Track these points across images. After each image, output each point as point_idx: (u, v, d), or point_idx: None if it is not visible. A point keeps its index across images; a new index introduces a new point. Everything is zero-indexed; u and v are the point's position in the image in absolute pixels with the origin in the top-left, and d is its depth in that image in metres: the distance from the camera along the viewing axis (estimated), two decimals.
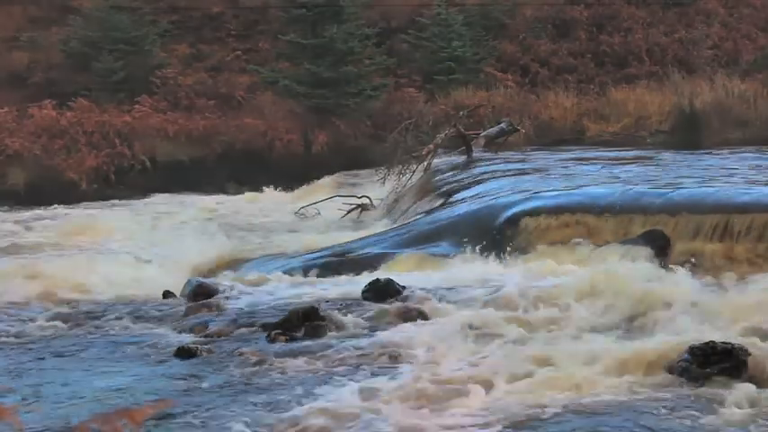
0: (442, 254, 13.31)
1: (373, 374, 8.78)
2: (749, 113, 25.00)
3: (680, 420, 7.58)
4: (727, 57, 30.55)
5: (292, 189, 24.02)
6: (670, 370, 8.49)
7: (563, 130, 26.55)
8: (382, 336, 9.89)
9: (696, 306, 10.15)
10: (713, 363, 8.36)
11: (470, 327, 9.94)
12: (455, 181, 18.14)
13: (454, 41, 29.35)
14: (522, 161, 19.89)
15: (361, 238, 14.93)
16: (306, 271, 13.16)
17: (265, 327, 10.31)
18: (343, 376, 8.77)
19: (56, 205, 22.62)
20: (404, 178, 19.64)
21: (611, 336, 9.63)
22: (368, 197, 19.92)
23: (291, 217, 19.89)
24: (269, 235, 17.41)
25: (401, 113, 24.39)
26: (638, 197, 13.57)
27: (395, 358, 9.18)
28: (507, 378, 8.49)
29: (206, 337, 10.35)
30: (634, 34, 31.19)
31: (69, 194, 23.73)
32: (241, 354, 9.56)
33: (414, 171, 19.77)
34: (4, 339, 10.50)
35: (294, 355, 9.42)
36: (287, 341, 9.86)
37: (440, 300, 10.99)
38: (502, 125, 24.28)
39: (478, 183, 17.11)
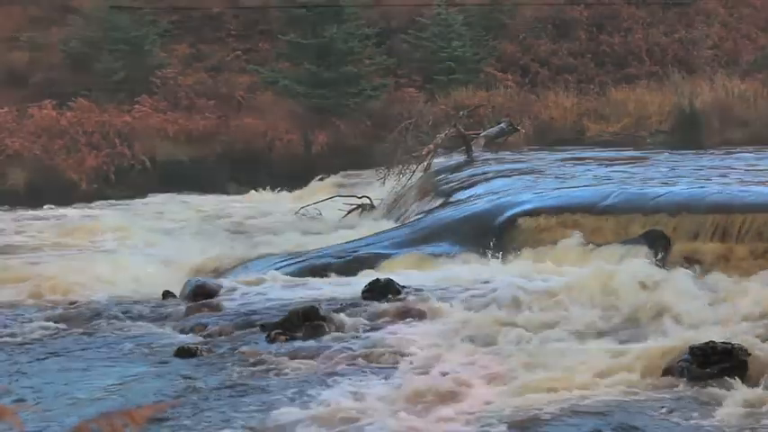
0: (442, 254, 13.31)
1: (373, 374, 8.78)
2: (749, 113, 25.02)
3: (680, 420, 7.58)
4: (727, 57, 30.56)
5: (292, 189, 24.02)
6: (670, 370, 8.49)
7: (563, 130, 26.55)
8: (382, 336, 9.89)
9: (696, 306, 10.15)
10: (713, 363, 8.36)
11: (470, 327, 9.94)
12: (455, 181, 18.14)
13: (454, 41, 29.35)
14: (522, 161, 19.89)
15: (361, 238, 14.92)
16: (306, 271, 13.15)
17: (265, 327, 10.31)
18: (343, 376, 8.77)
19: (56, 205, 22.62)
20: (404, 178, 19.63)
21: (610, 336, 9.64)
22: (368, 197, 19.92)
23: (292, 217, 19.89)
24: (269, 235, 17.41)
25: (401, 113, 24.38)
26: (636, 197, 13.57)
27: (395, 358, 9.18)
28: (507, 378, 8.49)
29: (206, 337, 10.35)
30: (634, 34, 31.19)
31: (69, 194, 23.73)
32: (241, 354, 9.56)
33: (414, 171, 19.77)
34: (4, 339, 10.50)
35: (294, 355, 9.42)
36: (287, 341, 9.86)
37: (439, 300, 10.99)
38: (502, 125, 24.28)
39: (478, 183, 17.10)
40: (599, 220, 13.12)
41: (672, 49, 30.73)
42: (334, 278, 12.75)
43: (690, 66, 29.59)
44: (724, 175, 15.78)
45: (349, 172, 24.44)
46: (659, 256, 12.12)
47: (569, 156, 20.76)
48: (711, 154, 20.17)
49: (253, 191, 24.49)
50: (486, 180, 17.18)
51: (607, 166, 18.42)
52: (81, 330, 10.80)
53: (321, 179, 24.15)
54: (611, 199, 13.57)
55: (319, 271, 13.09)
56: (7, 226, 19.84)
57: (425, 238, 13.95)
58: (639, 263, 11.73)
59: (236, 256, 14.75)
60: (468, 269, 12.55)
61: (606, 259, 12.11)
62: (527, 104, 27.54)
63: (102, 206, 22.88)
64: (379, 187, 20.23)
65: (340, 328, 10.23)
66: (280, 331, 10.03)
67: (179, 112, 27.24)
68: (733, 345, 8.49)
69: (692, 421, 7.56)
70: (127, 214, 21.16)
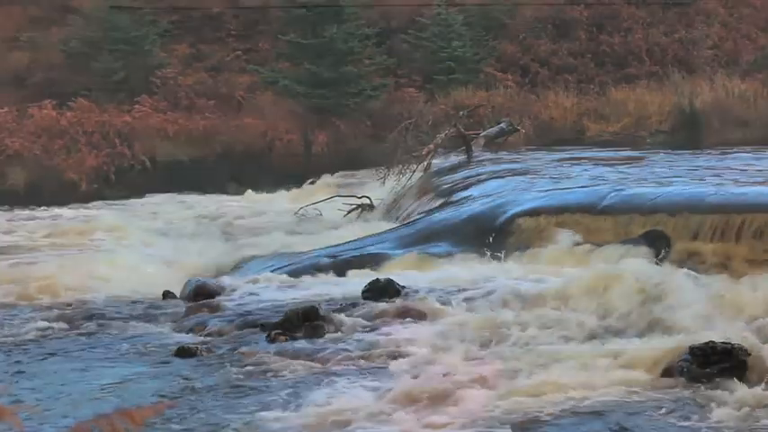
0: (442, 254, 13.31)
1: (372, 375, 8.78)
2: (749, 113, 25.01)
3: (680, 420, 7.58)
4: (727, 57, 30.55)
5: (292, 189, 24.01)
6: (670, 370, 8.50)
7: (563, 130, 26.55)
8: (382, 336, 9.90)
9: (696, 306, 10.15)
10: (713, 363, 8.36)
11: (469, 327, 9.94)
12: (455, 181, 18.14)
13: (454, 41, 29.34)
14: (521, 161, 19.89)
15: (360, 239, 14.92)
16: (306, 271, 13.15)
17: (265, 327, 10.32)
18: (343, 376, 8.77)
19: (56, 205, 22.61)
20: (404, 178, 19.63)
21: (610, 336, 9.64)
22: (368, 197, 19.91)
23: (291, 217, 19.88)
24: (269, 235, 17.39)
25: (401, 113, 24.37)
26: (636, 197, 13.57)
27: (394, 359, 9.19)
28: (506, 378, 8.49)
29: (206, 337, 10.35)
30: (634, 34, 31.18)
31: (69, 194, 23.73)
32: (241, 354, 9.56)
33: (413, 171, 19.76)
34: (4, 339, 10.50)
35: (294, 355, 9.42)
36: (286, 341, 9.87)
37: (439, 300, 10.99)
38: (502, 125, 24.28)
39: (478, 183, 17.10)
40: (599, 220, 13.12)
41: (672, 49, 30.72)
42: (333, 278, 12.76)
43: (690, 66, 29.58)
44: (718, 176, 15.80)
45: (349, 172, 24.43)
46: (659, 256, 12.11)
47: (567, 156, 20.75)
48: (708, 154, 20.17)
49: (252, 191, 24.49)
50: (486, 180, 17.17)
51: (604, 165, 18.41)
52: (80, 330, 10.80)
53: (312, 182, 24.08)
54: (611, 199, 13.57)
55: (319, 271, 13.10)
56: (7, 226, 19.84)
57: (425, 238, 13.95)
58: (639, 263, 11.73)
59: (235, 256, 14.75)
60: (467, 269, 12.55)
61: (606, 259, 12.11)
62: (527, 104, 27.53)
63: (102, 206, 22.88)
64: (379, 187, 20.22)
65: (339, 328, 10.23)
66: (279, 331, 10.04)
67: (179, 112, 27.23)
68: (733, 345, 8.50)
69: (691, 421, 7.56)
70: (127, 214, 21.16)
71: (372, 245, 14.12)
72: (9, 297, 12.43)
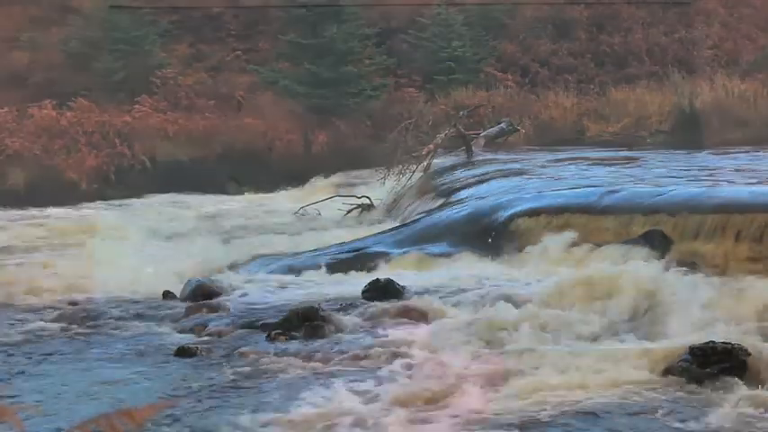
0: (442, 254, 13.31)
1: (373, 375, 8.77)
2: (749, 113, 25.01)
3: (680, 420, 7.58)
4: (727, 57, 30.55)
5: (292, 189, 24.01)
6: (670, 370, 8.49)
7: (563, 130, 26.56)
8: (382, 336, 9.89)
9: (696, 306, 10.14)
10: (713, 363, 8.36)
11: (470, 326, 9.94)
12: (454, 181, 18.15)
13: (454, 41, 29.35)
14: (521, 161, 19.89)
15: (360, 238, 14.93)
16: (306, 271, 13.16)
17: (265, 327, 10.32)
18: (343, 377, 8.77)
19: (56, 205, 22.61)
20: (404, 178, 19.64)
21: (610, 336, 9.64)
22: (368, 197, 19.92)
23: (291, 217, 19.89)
24: (269, 235, 17.40)
25: (401, 113, 24.38)
26: (636, 197, 13.56)
27: (394, 359, 9.18)
28: (506, 378, 8.49)
29: (206, 336, 10.35)
30: (634, 34, 31.19)
31: (69, 194, 23.73)
32: (241, 354, 9.56)
33: (413, 171, 19.77)
34: (4, 339, 10.50)
35: (294, 355, 9.42)
36: (286, 341, 9.87)
37: (439, 300, 10.99)
38: (502, 125, 24.31)
39: (478, 183, 17.11)
40: (599, 220, 13.11)
41: (672, 49, 30.73)
42: (333, 278, 12.76)
43: (690, 66, 29.58)
44: (711, 176, 15.83)
45: (349, 172, 24.43)
46: (659, 256, 12.11)
47: (567, 156, 20.75)
48: (706, 154, 20.17)
49: (252, 191, 24.49)
50: (486, 180, 17.19)
51: (604, 166, 18.42)
52: (81, 330, 10.80)
53: (312, 182, 24.04)
54: (611, 199, 13.56)
55: (319, 271, 13.10)
56: (6, 226, 19.83)
57: (425, 238, 13.95)
58: (639, 263, 11.72)
59: (235, 256, 14.73)
60: (467, 269, 12.55)
61: (606, 260, 12.10)
62: (527, 104, 27.54)
63: (102, 206, 22.87)
64: (379, 187, 20.23)
65: (340, 328, 10.23)
66: (279, 331, 10.04)
67: (179, 112, 27.24)
68: (733, 345, 8.49)
69: (691, 421, 7.56)
70: (127, 214, 21.15)
71: (372, 245, 14.12)
72: (9, 297, 12.42)
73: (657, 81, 28.39)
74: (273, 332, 10.04)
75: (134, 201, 23.53)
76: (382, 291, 11.34)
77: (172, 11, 31.11)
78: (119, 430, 3.36)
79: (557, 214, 13.45)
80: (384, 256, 13.38)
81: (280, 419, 7.74)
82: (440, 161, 20.73)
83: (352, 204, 19.75)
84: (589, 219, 13.19)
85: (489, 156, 21.15)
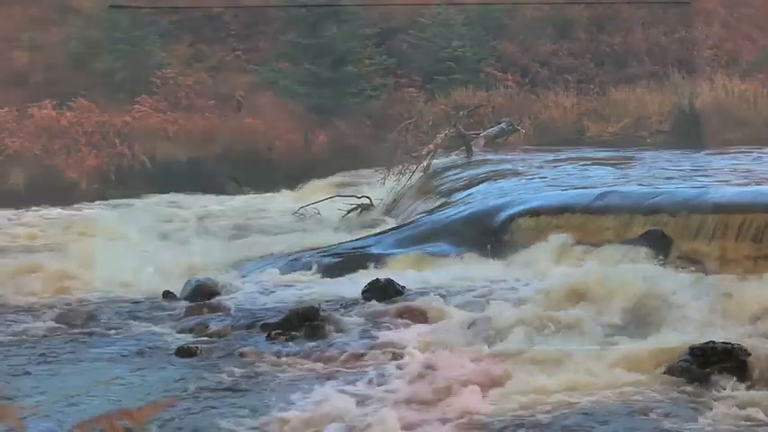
0: (442, 254, 13.31)
1: (373, 375, 8.77)
2: (749, 113, 25.00)
3: (679, 420, 7.58)
4: (727, 57, 30.52)
5: (292, 189, 24.00)
6: (670, 370, 8.49)
7: (563, 130, 26.54)
8: (382, 336, 9.89)
9: (696, 306, 10.15)
10: (713, 363, 8.36)
11: (470, 326, 9.94)
12: (454, 181, 18.15)
13: (454, 41, 29.33)
14: (521, 161, 19.88)
15: (360, 238, 14.93)
16: (306, 271, 13.16)
17: (265, 327, 10.32)
18: (343, 377, 8.77)
19: (56, 205, 22.60)
20: (404, 178, 19.63)
21: (610, 336, 9.63)
22: (368, 197, 19.91)
23: (291, 217, 19.88)
24: (269, 235, 17.39)
25: (401, 113, 24.37)
26: (636, 197, 13.57)
27: (394, 359, 9.18)
28: (506, 378, 8.49)
29: (206, 337, 10.35)
30: (634, 34, 31.18)
31: (69, 194, 23.72)
32: (241, 354, 9.56)
33: (413, 171, 19.77)
34: (4, 339, 10.50)
35: (294, 355, 9.42)
36: (287, 341, 9.86)
37: (439, 299, 10.99)
38: (502, 125, 24.30)
39: (478, 183, 17.11)
40: (599, 220, 13.12)
41: (672, 49, 30.71)
42: (333, 278, 12.76)
43: (690, 66, 29.55)
44: (706, 175, 15.84)
45: (349, 172, 24.42)
46: (659, 256, 12.11)
47: (567, 156, 20.74)
48: (701, 154, 20.17)
49: (252, 191, 24.48)
50: (486, 180, 17.19)
51: (604, 165, 18.41)
52: (81, 330, 10.80)
53: (312, 182, 24.04)
54: (611, 199, 13.56)
55: (319, 271, 13.10)
56: (6, 226, 19.83)
57: (425, 238, 13.95)
58: (639, 263, 11.73)
59: (235, 256, 14.74)
60: (467, 269, 12.56)
61: (606, 260, 12.11)
62: (527, 104, 27.53)
63: (102, 206, 22.86)
64: (379, 187, 20.22)
65: (340, 328, 10.23)
66: (280, 331, 10.04)
67: (179, 112, 27.22)
68: (733, 345, 8.49)
69: (691, 421, 7.56)
70: (127, 214, 21.13)
71: (372, 245, 14.12)
72: (9, 297, 12.42)
73: (657, 81, 28.38)
74: (273, 332, 10.04)
75: (134, 201, 23.52)
76: (382, 291, 11.34)
77: (172, 11, 31.10)
78: (119, 430, 3.36)
79: (557, 214, 13.45)
80: (384, 255, 13.38)
81: (280, 419, 7.73)
82: (440, 161, 20.73)
83: (351, 204, 19.74)
84: (589, 219, 13.19)
85: (489, 156, 21.14)
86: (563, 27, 31.40)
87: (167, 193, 24.07)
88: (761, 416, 7.60)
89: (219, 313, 11.10)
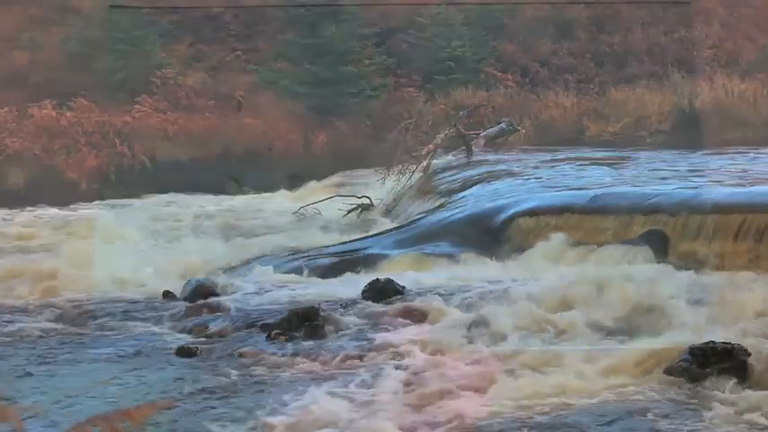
0: (442, 254, 13.30)
1: (373, 374, 8.77)
2: (749, 113, 25.01)
3: (679, 420, 7.58)
4: (727, 57, 30.52)
5: (292, 189, 24.01)
6: (670, 370, 8.49)
7: (563, 129, 26.54)
8: (382, 336, 9.89)
9: (696, 306, 10.15)
10: (713, 363, 8.36)
11: (469, 326, 9.94)
12: (454, 181, 18.15)
13: (454, 41, 29.32)
14: (521, 161, 19.87)
15: (360, 239, 14.93)
16: (305, 271, 13.15)
17: (265, 327, 10.32)
18: (342, 376, 8.77)
19: (56, 205, 22.61)
20: (403, 178, 19.63)
21: (610, 336, 9.63)
22: (368, 197, 19.91)
23: (291, 217, 19.87)
24: (269, 235, 17.39)
25: (401, 113, 24.37)
26: (635, 197, 13.57)
27: (394, 358, 9.18)
28: (506, 378, 8.49)
29: (206, 337, 10.35)
30: (634, 34, 31.17)
31: (69, 194, 23.72)
32: (241, 354, 9.56)
33: (413, 171, 19.76)
34: (4, 339, 10.50)
35: (294, 355, 9.42)
36: (286, 341, 9.86)
37: (439, 299, 10.98)
38: (502, 125, 24.30)
39: (478, 183, 17.11)
40: (598, 220, 13.11)
41: (672, 49, 30.70)
42: (333, 278, 12.76)
43: (690, 66, 29.55)
44: (701, 176, 15.85)
45: (349, 172, 24.42)
46: (659, 256, 12.11)
47: (567, 156, 20.73)
48: (700, 155, 20.18)
49: (253, 191, 24.48)
50: (485, 180, 17.18)
51: (604, 165, 18.41)
52: (80, 330, 10.80)
53: (320, 179, 24.06)
54: (611, 199, 13.56)
55: (319, 271, 13.10)
56: (6, 226, 19.83)
57: (425, 238, 13.95)
58: (639, 263, 11.72)
59: (235, 256, 14.74)
60: (467, 269, 12.56)
61: (606, 260, 12.11)
62: (527, 104, 27.52)
63: (102, 206, 22.86)
64: (379, 187, 20.22)
65: (339, 328, 10.23)
66: (279, 331, 10.04)
67: (179, 112, 27.21)
68: (733, 345, 8.49)
69: (691, 421, 7.56)
70: (127, 214, 21.14)
71: (372, 245, 14.12)
72: (9, 297, 12.42)
73: (657, 81, 28.37)
74: (273, 332, 10.04)
75: (134, 201, 23.52)
76: (382, 291, 11.33)
77: (172, 11, 31.08)
78: (119, 430, 3.36)
79: (557, 214, 13.45)
80: (384, 256, 13.38)
81: (280, 419, 7.73)
82: (440, 161, 20.72)
83: (351, 204, 19.73)
84: (589, 219, 13.19)
85: (489, 156, 21.14)
86: (563, 27, 31.39)
87: (167, 193, 24.07)
88: (761, 416, 7.60)
89: (219, 313, 11.10)
